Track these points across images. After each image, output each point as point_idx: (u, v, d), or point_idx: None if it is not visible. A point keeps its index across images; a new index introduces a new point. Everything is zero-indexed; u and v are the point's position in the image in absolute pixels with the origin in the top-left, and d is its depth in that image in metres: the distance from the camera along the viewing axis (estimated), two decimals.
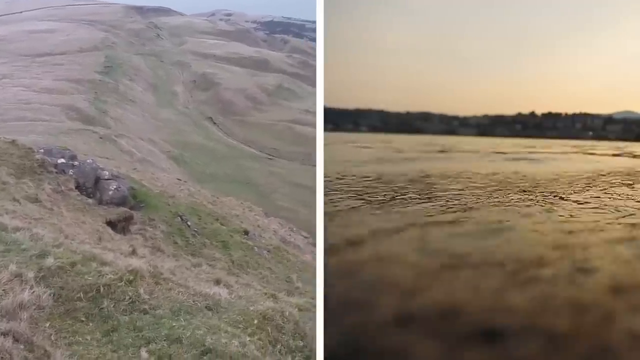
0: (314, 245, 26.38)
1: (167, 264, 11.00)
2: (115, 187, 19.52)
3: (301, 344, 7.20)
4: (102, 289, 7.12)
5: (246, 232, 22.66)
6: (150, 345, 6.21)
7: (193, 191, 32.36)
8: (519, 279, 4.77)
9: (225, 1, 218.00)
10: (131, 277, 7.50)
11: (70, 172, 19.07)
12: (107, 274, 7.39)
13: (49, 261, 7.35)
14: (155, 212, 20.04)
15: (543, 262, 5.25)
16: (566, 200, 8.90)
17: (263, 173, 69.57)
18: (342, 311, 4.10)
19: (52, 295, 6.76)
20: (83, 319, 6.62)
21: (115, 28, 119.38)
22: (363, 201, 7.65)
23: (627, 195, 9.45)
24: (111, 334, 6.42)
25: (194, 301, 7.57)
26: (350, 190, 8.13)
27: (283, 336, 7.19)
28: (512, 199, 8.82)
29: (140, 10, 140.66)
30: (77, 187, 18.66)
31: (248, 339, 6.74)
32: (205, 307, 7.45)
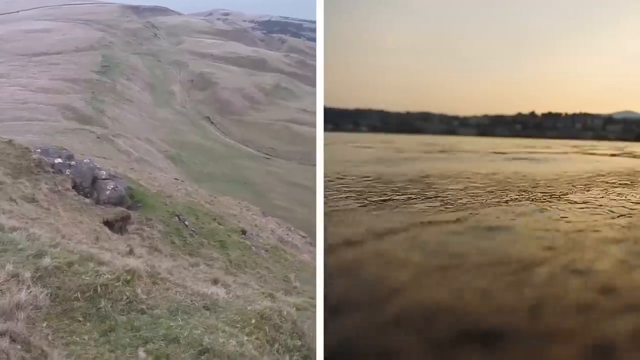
0: (312, 244, 26.37)
1: (164, 263, 10.98)
2: (112, 186, 19.47)
3: (299, 343, 7.19)
4: (99, 288, 7.09)
5: (244, 232, 22.63)
6: (148, 345, 6.19)
7: (190, 191, 32.30)
8: (515, 279, 4.77)
9: (223, 0, 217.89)
10: (128, 277, 7.48)
11: (67, 171, 19.00)
12: (104, 274, 7.36)
13: (46, 261, 7.31)
14: (152, 211, 19.99)
15: (540, 263, 5.24)
16: (566, 200, 8.90)
17: (260, 172, 69.56)
18: (341, 311, 4.09)
19: (49, 295, 6.73)
20: (80, 318, 6.60)
21: (111, 27, 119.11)
22: (363, 201, 7.64)
23: (626, 195, 9.46)
24: (109, 333, 6.40)
25: (191, 301, 7.56)
26: (350, 190, 8.12)
27: (281, 335, 7.18)
28: (512, 199, 8.82)
29: (137, 9, 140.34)
30: (74, 186, 18.59)
31: (246, 338, 6.73)
32: (203, 307, 7.44)
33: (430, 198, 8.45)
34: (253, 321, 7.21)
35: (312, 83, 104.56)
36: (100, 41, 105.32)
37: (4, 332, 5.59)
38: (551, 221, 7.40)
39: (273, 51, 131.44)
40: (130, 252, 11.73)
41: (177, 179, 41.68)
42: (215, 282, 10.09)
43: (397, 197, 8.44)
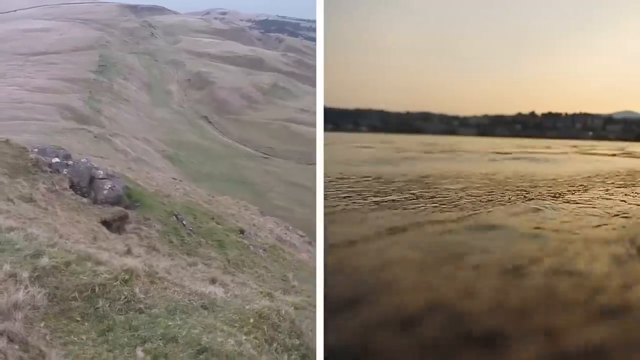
0: (310, 243, 26.35)
1: (162, 263, 10.94)
2: (110, 186, 19.42)
3: (297, 342, 7.19)
4: (97, 288, 7.07)
5: (242, 231, 22.61)
6: (146, 345, 6.17)
7: (188, 190, 32.28)
8: (512, 278, 4.77)
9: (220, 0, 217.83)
10: (126, 277, 7.46)
11: (65, 171, 18.95)
12: (102, 274, 7.35)
13: (44, 261, 7.30)
14: (150, 211, 19.95)
15: (537, 262, 5.25)
16: (565, 200, 8.91)
17: (259, 172, 69.57)
18: (340, 310, 4.08)
19: (46, 295, 6.71)
20: (78, 318, 6.58)
21: (109, 27, 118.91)
22: (362, 201, 7.63)
23: (626, 195, 9.48)
24: (107, 333, 6.39)
25: (189, 300, 7.54)
26: (350, 190, 8.11)
27: (279, 335, 7.17)
28: (511, 199, 8.82)
29: (135, 9, 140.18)
30: (72, 186, 18.54)
31: (244, 337, 6.72)
32: (201, 306, 7.43)
33: (430, 198, 8.45)
34: (251, 320, 7.20)
35: (310, 82, 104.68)
36: (98, 40, 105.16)
37: (2, 332, 5.57)
38: (549, 221, 7.41)
39: (270, 50, 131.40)
40: (128, 252, 11.71)
41: (175, 179, 41.66)
42: (213, 281, 10.06)
43: (397, 197, 8.44)
